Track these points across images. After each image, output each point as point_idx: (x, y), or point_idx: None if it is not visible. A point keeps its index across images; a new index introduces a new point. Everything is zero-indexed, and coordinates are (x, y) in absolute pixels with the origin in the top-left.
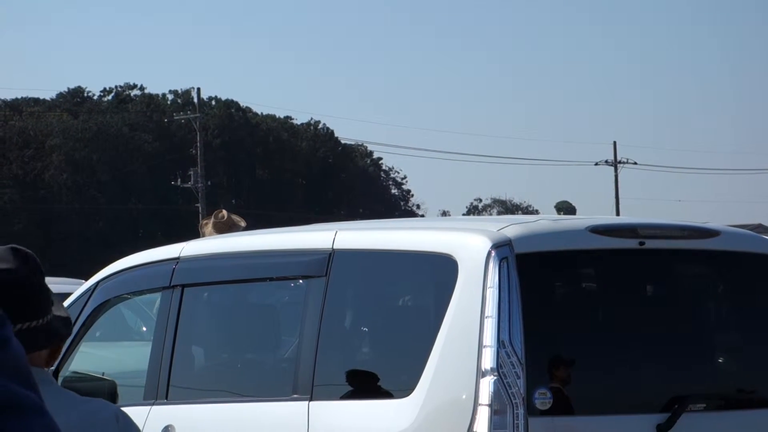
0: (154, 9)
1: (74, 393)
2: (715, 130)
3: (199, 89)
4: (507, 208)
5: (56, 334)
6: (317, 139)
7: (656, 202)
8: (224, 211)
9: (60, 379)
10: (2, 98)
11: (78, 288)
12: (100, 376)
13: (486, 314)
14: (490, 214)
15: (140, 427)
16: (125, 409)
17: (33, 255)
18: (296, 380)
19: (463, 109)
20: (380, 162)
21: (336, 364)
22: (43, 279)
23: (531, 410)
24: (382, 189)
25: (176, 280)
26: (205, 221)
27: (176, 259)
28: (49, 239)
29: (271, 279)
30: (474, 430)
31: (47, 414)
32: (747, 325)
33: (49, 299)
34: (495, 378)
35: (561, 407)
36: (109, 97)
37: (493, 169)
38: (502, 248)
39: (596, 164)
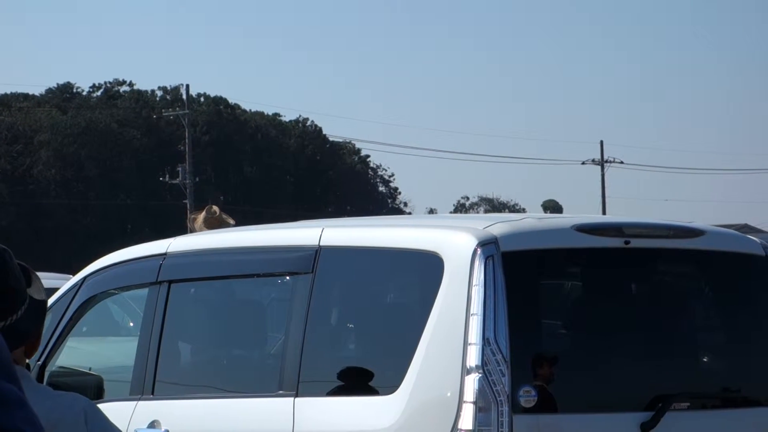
0: (144, 5)
1: (48, 387)
2: (701, 130)
3: (188, 86)
4: (494, 206)
5: (19, 335)
6: (305, 136)
7: (642, 201)
8: (215, 207)
9: (46, 374)
10: None
11: (65, 283)
12: (87, 371)
13: (471, 312)
14: (477, 213)
15: (126, 422)
16: (112, 404)
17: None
18: (282, 376)
19: (450, 107)
20: (368, 159)
21: (322, 361)
22: (11, 276)
23: (516, 408)
24: (369, 186)
25: (163, 276)
26: (194, 215)
27: (163, 255)
28: (37, 234)
29: (258, 275)
30: (459, 427)
31: (28, 406)
32: (731, 324)
33: (16, 298)
34: (480, 375)
35: (545, 405)
36: (98, 93)
37: (480, 168)
38: (488, 246)
39: (583, 163)
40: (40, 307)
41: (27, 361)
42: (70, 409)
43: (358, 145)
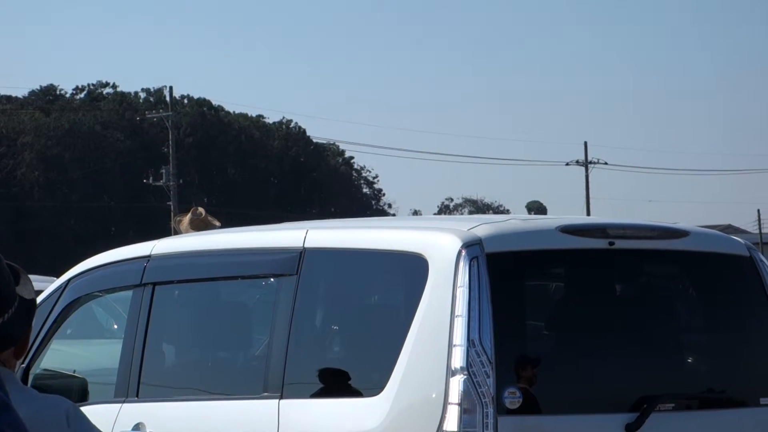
0: (127, 7)
1: (33, 389)
2: (685, 131)
3: (171, 88)
4: (478, 207)
5: (9, 337)
6: (289, 137)
7: (627, 202)
8: (201, 209)
9: (31, 377)
10: None
11: (49, 285)
12: (71, 373)
13: (456, 313)
14: (462, 214)
15: (111, 425)
16: (96, 407)
17: None
18: (267, 378)
19: (434, 109)
20: (352, 161)
21: (307, 363)
22: None
23: (500, 409)
24: (353, 188)
25: (147, 278)
26: (179, 217)
27: (147, 257)
28: (20, 236)
29: (243, 277)
30: (444, 428)
31: (13, 410)
32: (716, 325)
33: (5, 299)
34: (465, 377)
35: (530, 406)
36: (82, 95)
37: (464, 169)
38: (473, 248)
39: (567, 164)
40: (30, 307)
41: (17, 363)
42: (53, 411)
43: (342, 146)
